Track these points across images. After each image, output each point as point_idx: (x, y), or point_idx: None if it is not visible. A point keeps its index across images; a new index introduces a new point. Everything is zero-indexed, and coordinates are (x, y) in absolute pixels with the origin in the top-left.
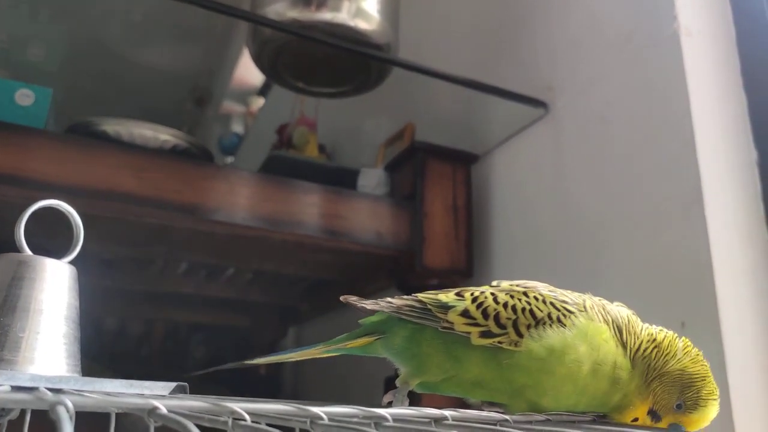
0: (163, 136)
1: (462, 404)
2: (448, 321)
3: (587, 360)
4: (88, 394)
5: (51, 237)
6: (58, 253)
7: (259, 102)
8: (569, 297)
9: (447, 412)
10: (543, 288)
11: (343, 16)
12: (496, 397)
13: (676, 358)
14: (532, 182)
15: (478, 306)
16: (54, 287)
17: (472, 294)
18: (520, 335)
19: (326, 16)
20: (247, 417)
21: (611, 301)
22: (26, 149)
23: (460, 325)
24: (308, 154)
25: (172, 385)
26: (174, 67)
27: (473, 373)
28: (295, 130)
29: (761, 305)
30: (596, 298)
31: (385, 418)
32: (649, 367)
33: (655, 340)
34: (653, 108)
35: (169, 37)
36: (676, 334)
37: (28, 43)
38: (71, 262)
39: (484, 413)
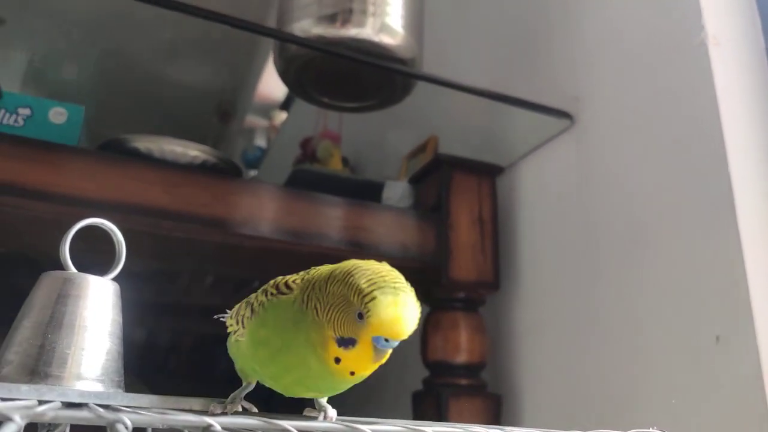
0: (193, 152)
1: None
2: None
3: (277, 337)
4: (143, 412)
5: (86, 253)
6: (95, 269)
7: (281, 116)
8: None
9: (493, 430)
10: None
11: (367, 32)
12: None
13: (325, 278)
14: (558, 194)
15: (238, 309)
16: (98, 304)
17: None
18: (244, 327)
19: (351, 32)
20: None
21: (642, 316)
22: (60, 166)
23: (230, 327)
24: (332, 168)
25: (216, 401)
26: (200, 83)
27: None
28: (319, 144)
29: None
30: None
31: None
32: (317, 310)
33: (310, 280)
34: (681, 118)
35: (196, 54)
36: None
37: (62, 62)
38: (114, 279)
39: (523, 429)
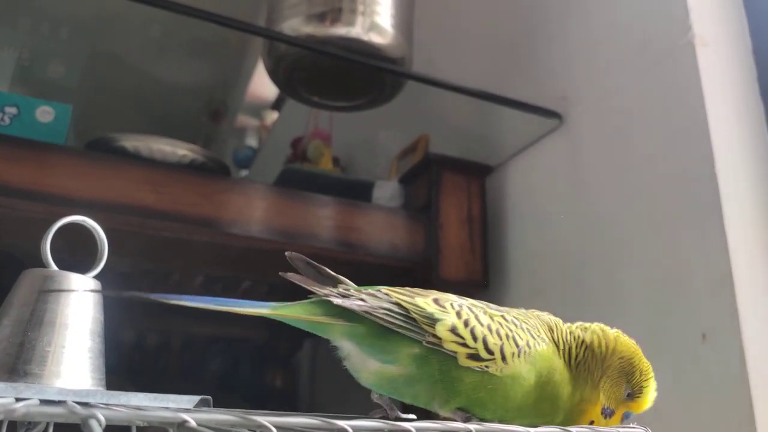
0: (181, 151)
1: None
2: (435, 336)
3: (538, 385)
4: (117, 408)
5: (72, 251)
6: (78, 267)
7: (273, 115)
8: (526, 320)
9: (472, 426)
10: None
11: (357, 31)
12: (431, 403)
13: (611, 350)
14: (547, 193)
15: (465, 324)
16: (79, 302)
17: (451, 305)
18: (504, 362)
19: (340, 31)
20: (274, 430)
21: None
22: (47, 165)
23: (448, 342)
24: (323, 167)
25: (197, 398)
26: (190, 82)
27: (432, 381)
28: (309, 143)
29: None
30: (529, 312)
31: None
32: (589, 370)
33: (584, 342)
34: (669, 118)
35: (185, 53)
36: (599, 326)
37: (49, 60)
38: (96, 277)
39: (507, 426)
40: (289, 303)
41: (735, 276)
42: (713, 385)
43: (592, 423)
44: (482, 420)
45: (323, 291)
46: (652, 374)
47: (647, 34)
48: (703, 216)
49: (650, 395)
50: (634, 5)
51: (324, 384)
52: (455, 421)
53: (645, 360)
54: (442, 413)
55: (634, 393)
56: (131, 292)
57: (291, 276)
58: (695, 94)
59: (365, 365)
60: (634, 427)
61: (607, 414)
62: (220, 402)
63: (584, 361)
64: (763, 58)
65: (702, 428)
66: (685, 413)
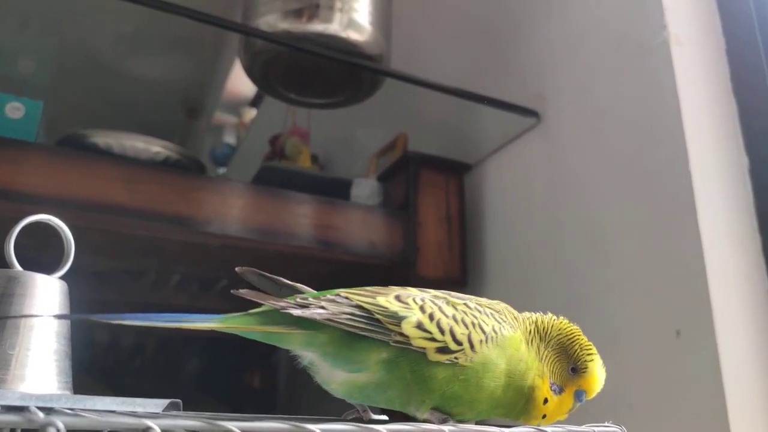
0: (155, 147)
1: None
2: (402, 334)
3: (507, 370)
4: (80, 414)
5: (41, 250)
6: (48, 267)
7: (251, 113)
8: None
9: (446, 427)
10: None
11: (334, 28)
12: (407, 406)
13: (552, 327)
14: (525, 191)
15: (431, 318)
16: (44, 303)
17: (413, 300)
18: (473, 350)
19: (318, 27)
20: None
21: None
22: (17, 162)
23: (416, 339)
24: (301, 165)
25: (165, 402)
26: (165, 79)
27: (404, 384)
28: (287, 141)
29: (756, 312)
30: (495, 301)
31: None
32: (538, 345)
33: (534, 323)
34: (645, 116)
35: (160, 49)
36: (546, 314)
37: (18, 56)
38: (62, 278)
39: (482, 427)
40: (239, 314)
41: (709, 273)
42: (687, 380)
43: (546, 401)
44: (458, 418)
45: (280, 303)
46: (594, 350)
47: (623, 34)
48: (677, 214)
49: (597, 372)
50: (609, 5)
51: (304, 383)
52: (431, 422)
53: (585, 338)
54: (420, 416)
55: (578, 368)
56: (70, 315)
57: (243, 293)
58: (670, 92)
59: (332, 376)
60: (608, 426)
61: (556, 390)
62: (196, 403)
63: (533, 339)
64: (736, 57)
65: (676, 423)
66: (659, 408)
